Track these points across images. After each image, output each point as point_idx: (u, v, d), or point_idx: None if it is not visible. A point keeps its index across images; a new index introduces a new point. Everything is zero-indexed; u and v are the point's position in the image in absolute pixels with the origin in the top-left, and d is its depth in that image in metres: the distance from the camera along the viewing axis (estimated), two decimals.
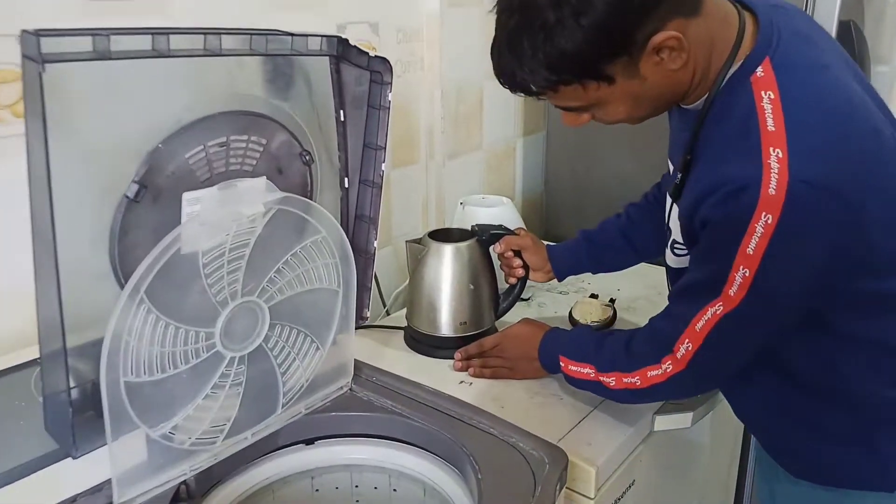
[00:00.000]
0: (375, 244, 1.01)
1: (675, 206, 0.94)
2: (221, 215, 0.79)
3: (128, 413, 0.75)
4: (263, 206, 0.81)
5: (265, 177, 0.83)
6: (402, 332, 1.34)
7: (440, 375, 1.20)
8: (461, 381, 1.18)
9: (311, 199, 0.92)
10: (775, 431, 1.01)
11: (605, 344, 1.02)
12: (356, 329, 1.04)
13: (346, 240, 0.92)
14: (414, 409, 0.98)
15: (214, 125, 0.80)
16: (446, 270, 1.25)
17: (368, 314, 1.05)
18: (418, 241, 1.28)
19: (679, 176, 0.90)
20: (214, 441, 0.86)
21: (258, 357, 0.89)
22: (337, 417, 0.99)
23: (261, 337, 0.88)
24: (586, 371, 1.01)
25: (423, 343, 1.28)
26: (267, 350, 0.89)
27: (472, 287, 1.26)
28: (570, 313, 1.38)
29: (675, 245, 0.98)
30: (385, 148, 0.97)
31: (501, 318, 1.32)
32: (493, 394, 1.15)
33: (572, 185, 1.84)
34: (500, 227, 1.29)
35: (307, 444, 1.00)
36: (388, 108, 0.94)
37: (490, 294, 1.29)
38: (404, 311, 1.34)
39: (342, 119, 0.93)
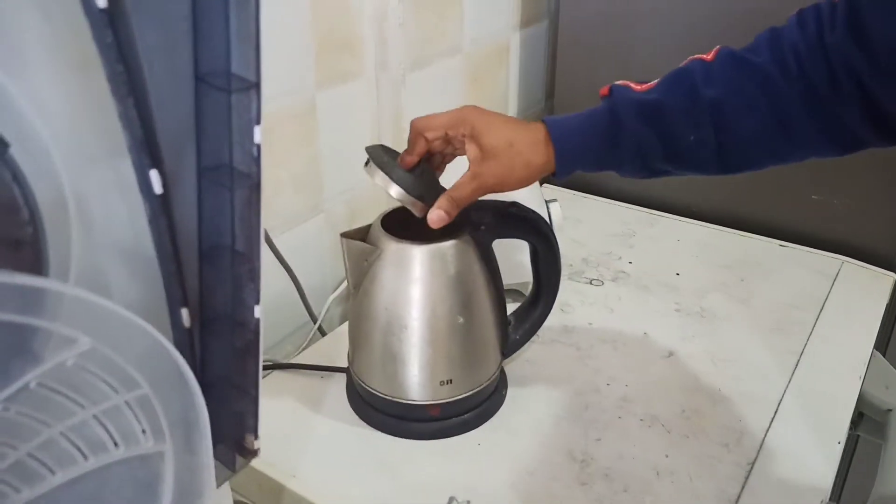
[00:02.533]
0: (258, 310, 0.43)
1: None
2: None
3: None
4: None
5: None
6: (343, 375, 0.79)
7: (409, 478, 0.67)
8: (451, 502, 0.65)
9: (37, 256, 0.33)
10: None
11: None
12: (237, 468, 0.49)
13: (166, 342, 0.35)
14: None
15: None
16: (417, 292, 0.68)
17: (258, 444, 0.48)
18: (363, 235, 0.71)
19: None
20: None
21: None
22: None
23: None
24: None
25: (378, 411, 0.73)
26: None
27: (461, 320, 0.69)
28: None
29: None
30: (259, 84, 0.37)
31: (513, 354, 0.78)
32: None
33: (591, 98, 1.23)
34: (502, 201, 0.71)
35: None
36: None
37: (494, 324, 0.73)
38: (346, 327, 0.78)
39: (103, 6, 0.32)
